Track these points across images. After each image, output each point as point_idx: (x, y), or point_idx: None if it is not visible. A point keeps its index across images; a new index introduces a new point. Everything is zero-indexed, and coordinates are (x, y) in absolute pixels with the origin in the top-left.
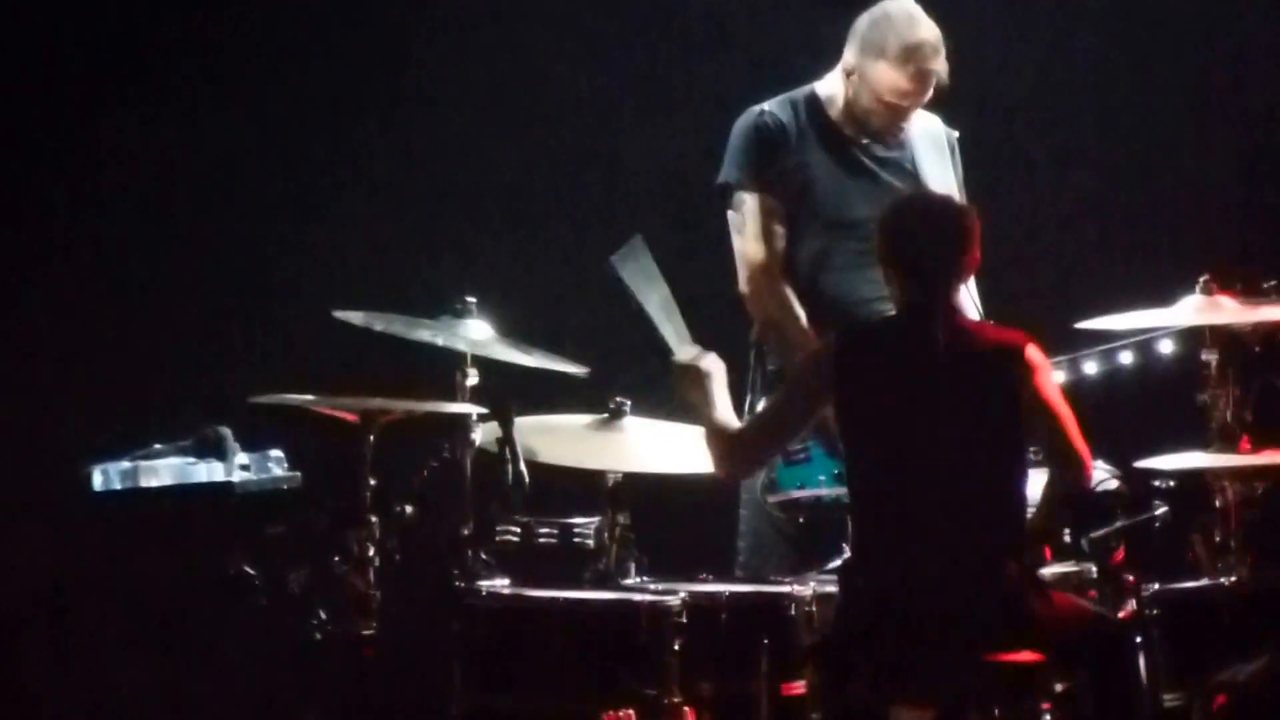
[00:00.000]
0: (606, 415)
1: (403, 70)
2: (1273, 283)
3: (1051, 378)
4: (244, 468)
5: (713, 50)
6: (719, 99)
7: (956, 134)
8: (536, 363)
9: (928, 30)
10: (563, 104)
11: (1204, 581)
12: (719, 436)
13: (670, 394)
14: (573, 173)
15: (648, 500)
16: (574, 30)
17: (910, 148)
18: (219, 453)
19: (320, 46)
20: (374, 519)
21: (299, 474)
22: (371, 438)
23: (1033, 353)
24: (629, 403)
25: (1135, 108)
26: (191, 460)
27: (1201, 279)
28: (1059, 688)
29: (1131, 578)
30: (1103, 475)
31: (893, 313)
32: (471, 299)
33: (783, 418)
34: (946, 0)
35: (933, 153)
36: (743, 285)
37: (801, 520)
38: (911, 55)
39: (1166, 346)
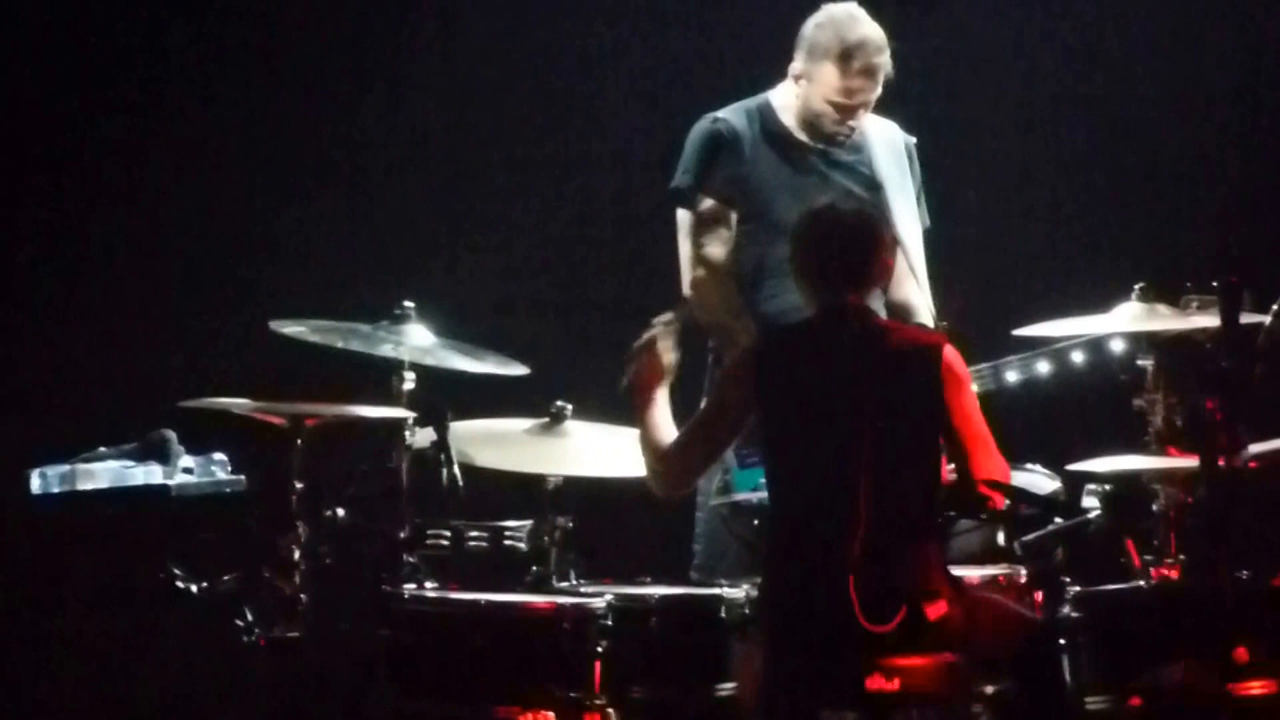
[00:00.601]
0: (548, 419)
1: (344, 74)
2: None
3: (967, 384)
4: (187, 471)
5: (657, 56)
6: (664, 102)
7: (914, 140)
8: (477, 366)
9: (870, 28)
10: (503, 106)
11: (1124, 584)
12: (654, 448)
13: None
14: (515, 177)
15: (607, 504)
16: (517, 36)
17: (867, 152)
18: (161, 456)
19: (264, 56)
20: (301, 523)
21: (243, 478)
22: (300, 442)
23: (950, 356)
24: (570, 406)
25: (1072, 116)
26: (130, 464)
27: (1138, 285)
28: (989, 689)
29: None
30: (1040, 478)
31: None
32: (410, 304)
33: (713, 427)
34: (896, 13)
35: (890, 158)
36: (687, 290)
37: (756, 523)
38: (856, 53)
39: (1080, 354)
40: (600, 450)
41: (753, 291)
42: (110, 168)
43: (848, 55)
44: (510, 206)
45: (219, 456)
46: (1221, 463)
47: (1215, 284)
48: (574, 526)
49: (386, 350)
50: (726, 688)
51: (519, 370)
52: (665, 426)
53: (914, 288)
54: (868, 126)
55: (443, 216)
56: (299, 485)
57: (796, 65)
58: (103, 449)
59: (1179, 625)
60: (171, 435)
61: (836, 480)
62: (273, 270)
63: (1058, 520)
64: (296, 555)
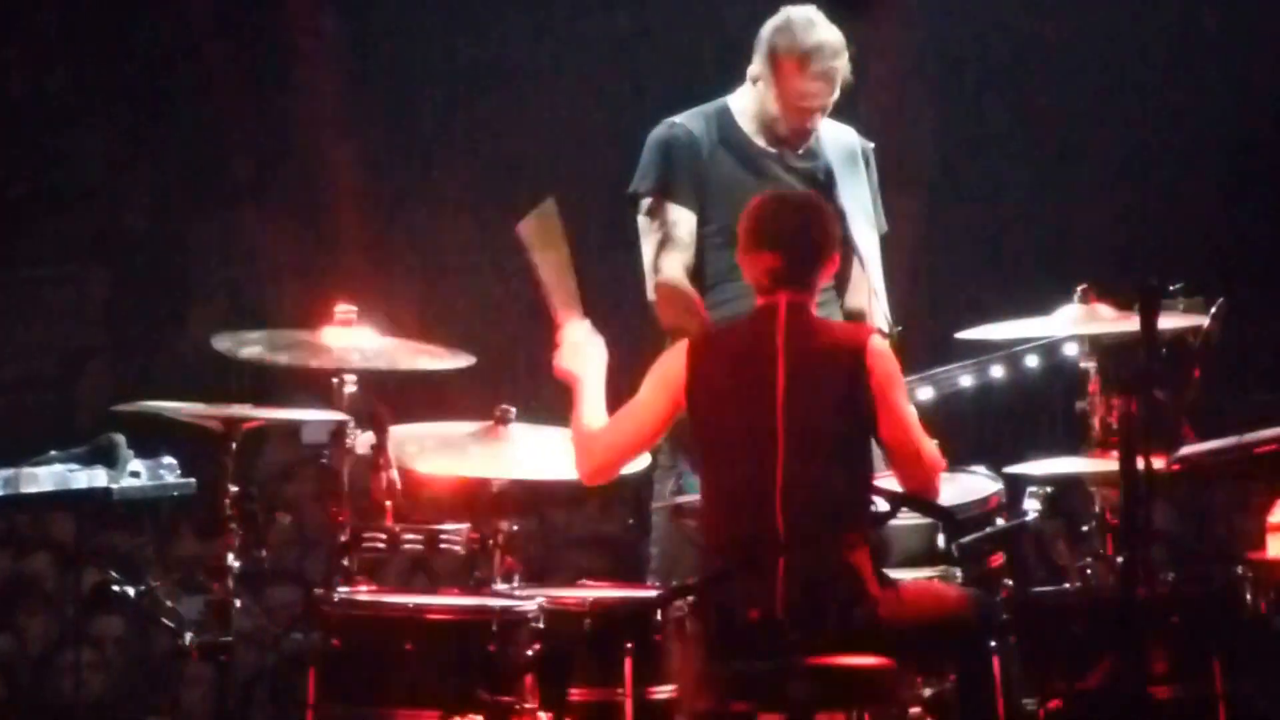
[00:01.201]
0: (491, 422)
1: (275, 65)
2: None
3: (896, 377)
4: (134, 475)
5: (610, 54)
6: (619, 102)
7: (872, 145)
8: (423, 364)
9: (827, 33)
10: (442, 101)
11: (1052, 587)
12: (581, 435)
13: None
14: (460, 178)
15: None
16: (451, 31)
17: (823, 158)
18: (109, 460)
19: (194, 43)
20: (235, 526)
21: (193, 481)
22: (234, 445)
23: (875, 349)
24: (514, 410)
25: (1015, 120)
26: (76, 467)
27: (1079, 288)
28: (928, 692)
29: (1010, 583)
30: (982, 480)
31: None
32: (352, 307)
33: (639, 421)
34: (850, 20)
35: (846, 163)
36: (650, 294)
37: None
38: (812, 57)
39: (1035, 358)
40: (545, 453)
41: (719, 293)
42: (55, 172)
43: (804, 60)
44: (449, 208)
45: (169, 460)
46: (1140, 465)
47: (1146, 286)
48: (518, 529)
49: (355, 360)
50: (663, 690)
51: (463, 361)
52: (595, 416)
53: (868, 294)
54: (824, 132)
55: (378, 219)
56: (233, 489)
57: (754, 68)
58: (52, 453)
59: (1104, 627)
60: (120, 439)
61: (758, 475)
62: (210, 274)
63: (999, 521)
64: (230, 559)
